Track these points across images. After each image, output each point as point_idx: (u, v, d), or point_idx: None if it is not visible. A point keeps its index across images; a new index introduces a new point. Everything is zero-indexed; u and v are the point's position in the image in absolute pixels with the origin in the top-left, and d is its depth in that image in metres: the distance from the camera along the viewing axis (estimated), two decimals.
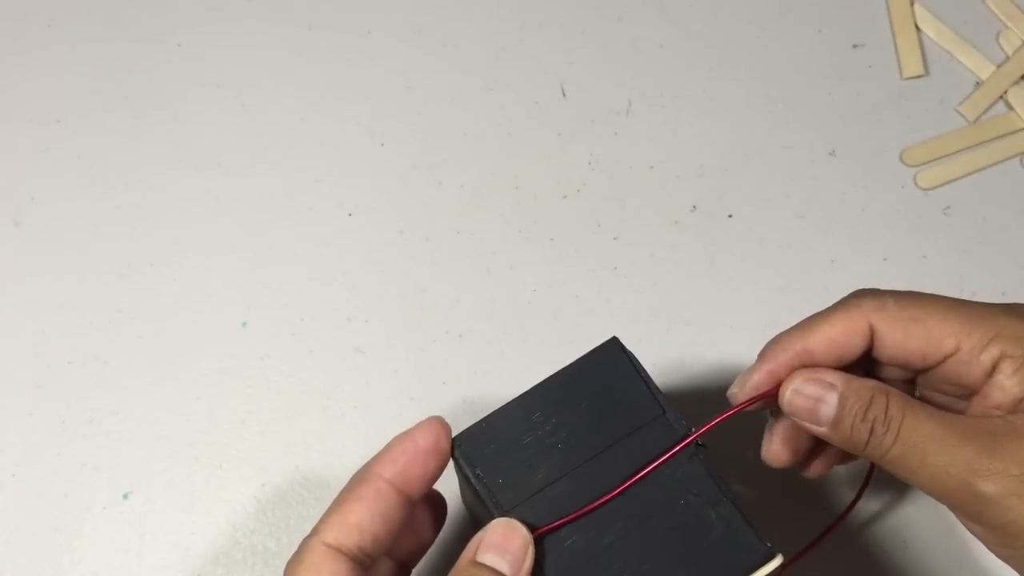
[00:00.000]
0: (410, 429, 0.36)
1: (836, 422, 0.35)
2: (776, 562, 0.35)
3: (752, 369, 0.38)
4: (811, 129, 0.55)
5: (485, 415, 0.36)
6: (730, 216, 0.53)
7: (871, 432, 0.35)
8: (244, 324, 0.51)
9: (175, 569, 0.46)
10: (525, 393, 0.37)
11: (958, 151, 0.55)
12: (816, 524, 0.44)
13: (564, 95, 0.56)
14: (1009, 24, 0.58)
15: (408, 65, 0.56)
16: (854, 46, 0.57)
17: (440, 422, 0.36)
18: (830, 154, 0.55)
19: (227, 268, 0.52)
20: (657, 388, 0.37)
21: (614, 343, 0.37)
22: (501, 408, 0.36)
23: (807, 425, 0.36)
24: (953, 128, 0.55)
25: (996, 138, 0.55)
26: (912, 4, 0.58)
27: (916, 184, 0.54)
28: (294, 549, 0.46)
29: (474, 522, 0.45)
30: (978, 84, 0.56)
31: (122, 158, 0.54)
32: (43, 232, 0.53)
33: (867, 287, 0.39)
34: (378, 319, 0.51)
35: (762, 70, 0.57)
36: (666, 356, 0.50)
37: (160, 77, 0.56)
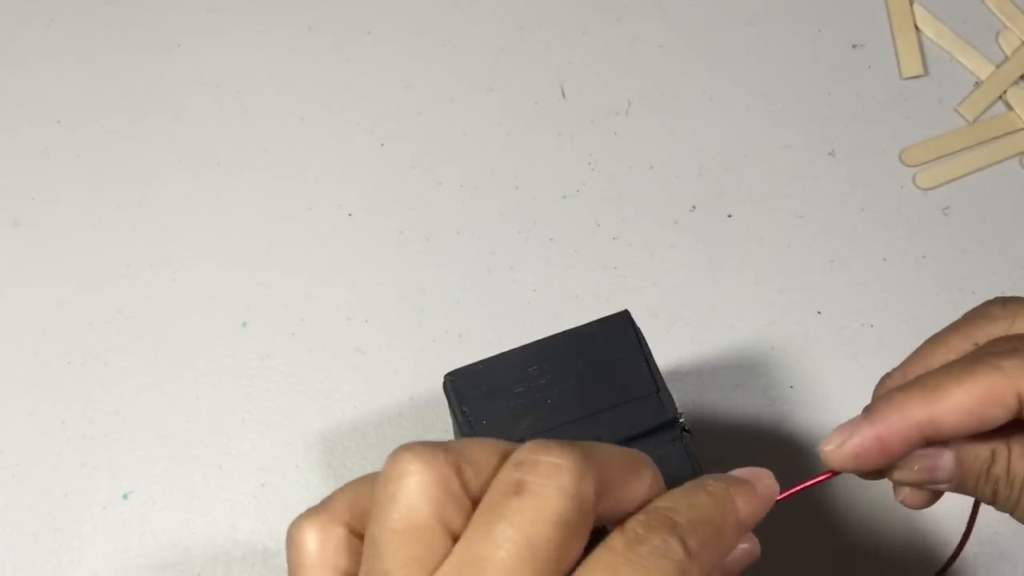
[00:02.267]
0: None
1: (957, 484, 0.31)
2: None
3: (855, 427, 0.31)
4: (810, 129, 0.55)
5: (485, 358, 0.37)
6: (730, 216, 0.53)
7: (995, 493, 0.31)
8: (244, 324, 0.51)
9: (175, 569, 0.46)
10: (527, 345, 0.37)
11: (957, 151, 0.55)
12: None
13: (564, 95, 0.56)
14: (1008, 24, 0.58)
15: (408, 65, 0.56)
16: (853, 46, 0.57)
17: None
18: (829, 154, 0.55)
19: (227, 268, 0.52)
20: (656, 367, 0.37)
21: (624, 315, 0.38)
22: (501, 354, 0.37)
23: (927, 488, 0.32)
24: (952, 128, 0.55)
25: (995, 138, 0.55)
26: (912, 4, 0.58)
27: (915, 184, 0.54)
28: None
29: None
30: (977, 84, 0.57)
31: (122, 158, 0.54)
32: (43, 232, 0.53)
33: (1006, 297, 0.33)
34: (378, 319, 0.51)
35: (761, 70, 0.57)
36: (666, 356, 0.50)
37: (160, 77, 0.56)
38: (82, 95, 0.55)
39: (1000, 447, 0.30)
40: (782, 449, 0.48)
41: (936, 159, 0.55)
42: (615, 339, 0.37)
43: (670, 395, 0.37)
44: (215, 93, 0.56)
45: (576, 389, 0.37)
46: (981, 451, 0.30)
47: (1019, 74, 0.56)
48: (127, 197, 0.53)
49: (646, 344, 0.38)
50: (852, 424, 0.31)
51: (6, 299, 0.51)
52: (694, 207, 0.53)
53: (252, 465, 0.48)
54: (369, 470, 0.47)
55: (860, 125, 0.55)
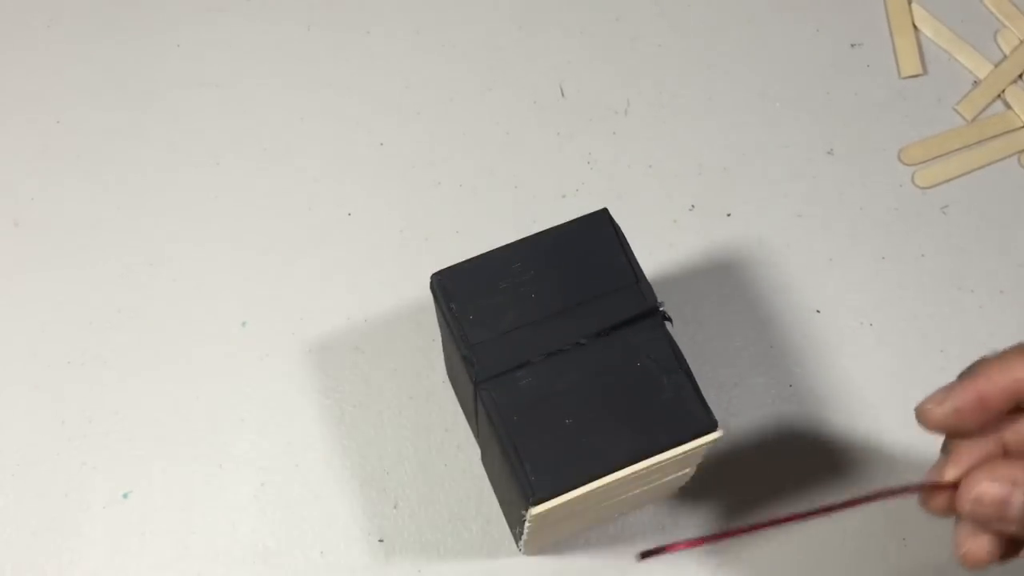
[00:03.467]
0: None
1: None
2: (716, 435, 0.36)
3: (953, 388, 0.31)
4: (809, 128, 0.55)
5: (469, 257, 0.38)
6: (729, 215, 0.53)
7: None
8: (244, 324, 0.51)
9: (175, 568, 0.46)
10: (510, 244, 0.39)
11: (956, 150, 0.55)
12: None
13: (563, 95, 0.56)
14: (1007, 23, 0.58)
15: (408, 65, 0.56)
16: (852, 45, 0.57)
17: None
18: (828, 153, 0.55)
19: (227, 268, 0.52)
20: (635, 260, 0.39)
21: (603, 214, 0.39)
22: (485, 254, 0.39)
23: (997, 527, 0.30)
24: (951, 127, 0.55)
25: (994, 137, 0.55)
26: (910, 3, 0.58)
27: (914, 183, 0.54)
28: (294, 548, 0.47)
29: (455, 385, 0.47)
30: (976, 83, 0.57)
31: (122, 158, 0.54)
32: (43, 232, 0.53)
33: None
34: (377, 319, 0.51)
35: (760, 69, 0.57)
36: None
37: (160, 77, 0.56)
38: (82, 95, 0.55)
39: None
40: (782, 448, 0.48)
41: (935, 158, 0.55)
42: (595, 236, 0.39)
43: (649, 285, 0.38)
44: (215, 93, 0.56)
45: (559, 283, 0.38)
46: None
47: (1017, 73, 0.56)
48: (127, 197, 0.53)
49: (625, 239, 0.39)
50: (950, 386, 0.31)
51: (6, 299, 0.51)
52: (693, 206, 0.54)
53: (252, 465, 0.48)
54: (369, 469, 0.48)
55: (859, 124, 0.56)
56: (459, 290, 0.38)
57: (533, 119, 0.55)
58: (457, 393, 0.48)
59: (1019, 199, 0.54)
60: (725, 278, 0.52)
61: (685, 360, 0.37)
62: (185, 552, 0.47)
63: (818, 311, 0.51)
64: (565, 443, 0.36)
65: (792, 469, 0.48)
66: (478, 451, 0.48)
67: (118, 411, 0.49)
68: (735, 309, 0.51)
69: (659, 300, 0.38)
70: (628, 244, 0.39)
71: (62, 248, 0.52)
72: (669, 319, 0.38)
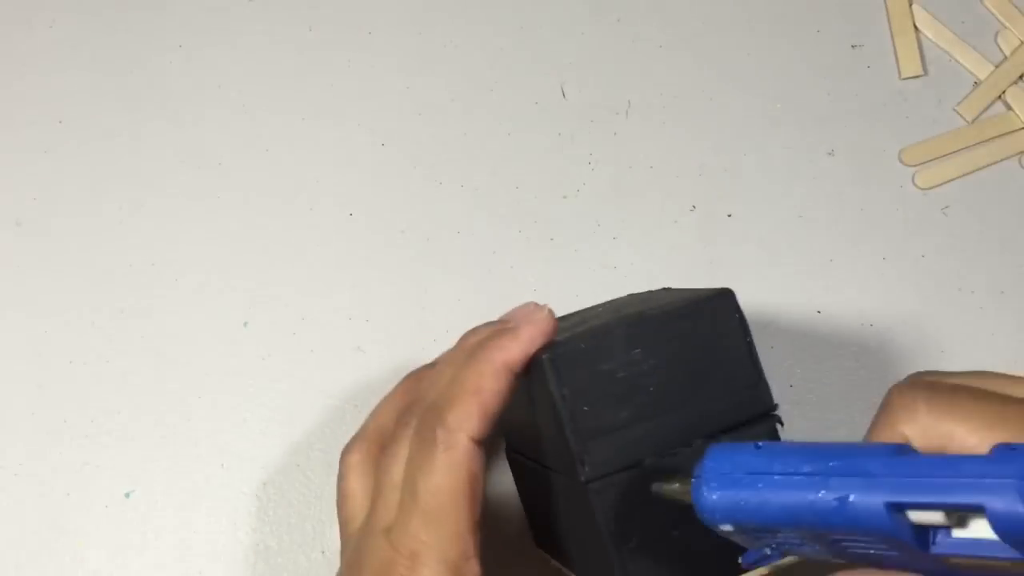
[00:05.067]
0: (529, 310, 0.35)
1: None
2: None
3: None
4: (810, 129, 0.55)
5: (580, 326, 0.35)
6: (729, 216, 0.53)
7: None
8: (245, 324, 0.51)
9: (177, 567, 0.46)
10: (630, 322, 0.35)
11: (957, 151, 0.55)
12: None
13: (564, 95, 0.56)
14: (1007, 24, 0.58)
15: (408, 65, 0.56)
16: (853, 46, 0.58)
17: (552, 314, 0.35)
18: (829, 154, 0.55)
19: (228, 268, 0.52)
20: (757, 356, 0.36)
21: (729, 296, 0.37)
22: (602, 332, 0.35)
23: None
24: (952, 128, 0.56)
25: (994, 138, 0.55)
26: (910, 4, 0.58)
27: (915, 184, 0.54)
28: (295, 548, 0.47)
29: (511, 441, 0.44)
30: (976, 84, 0.57)
31: (123, 158, 0.54)
32: (45, 232, 0.53)
33: (919, 373, 0.34)
34: (379, 319, 0.51)
35: (761, 70, 0.57)
36: None
37: (161, 77, 0.56)
38: (84, 95, 0.55)
39: None
40: None
41: (935, 159, 0.55)
42: (718, 321, 0.36)
43: (768, 386, 0.36)
44: (216, 93, 0.56)
45: (678, 377, 0.35)
46: None
47: (1018, 74, 0.56)
48: (129, 197, 0.53)
49: (748, 327, 0.36)
50: None
51: (8, 299, 0.51)
52: (694, 207, 0.54)
53: (253, 464, 0.48)
54: None
55: (859, 125, 0.56)
56: (574, 375, 0.34)
57: (534, 119, 0.55)
58: (510, 425, 0.43)
59: (1020, 200, 0.54)
60: (725, 278, 0.52)
61: None
62: (187, 551, 0.47)
63: (818, 311, 0.51)
64: (669, 556, 0.34)
65: None
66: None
67: (120, 410, 0.49)
68: None
69: (775, 403, 0.36)
70: (751, 335, 0.36)
71: (64, 248, 0.52)
72: (781, 423, 0.36)
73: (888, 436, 0.31)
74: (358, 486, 0.37)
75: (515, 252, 0.52)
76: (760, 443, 0.30)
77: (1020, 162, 0.55)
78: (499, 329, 0.36)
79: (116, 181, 0.54)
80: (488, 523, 0.35)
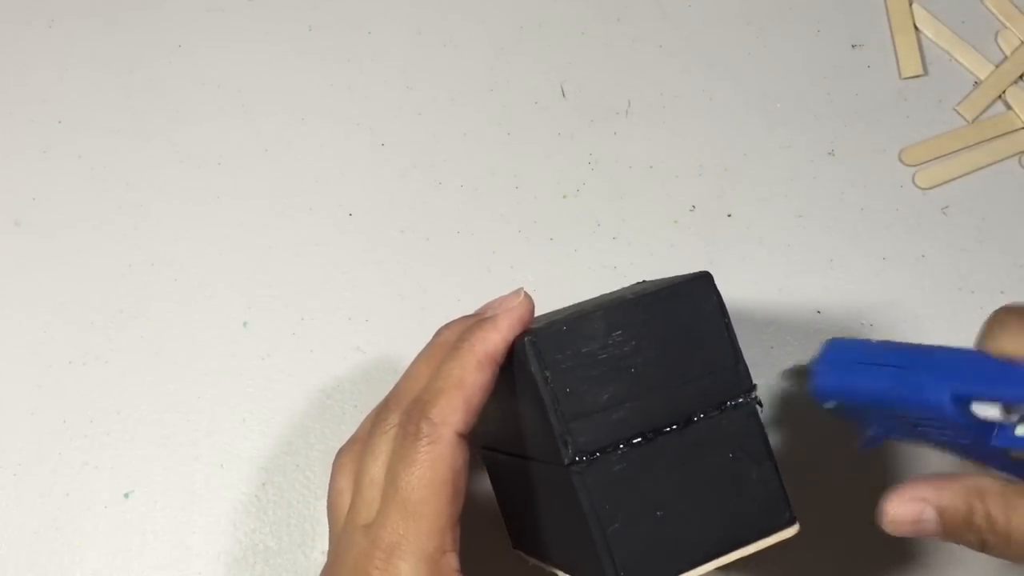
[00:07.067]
0: (508, 301, 0.36)
1: (945, 534, 0.34)
2: (792, 531, 0.36)
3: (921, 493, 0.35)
4: (810, 129, 0.55)
5: (563, 315, 0.36)
6: (729, 216, 0.53)
7: (983, 541, 0.34)
8: (245, 324, 0.51)
9: (176, 568, 0.46)
10: (610, 305, 0.36)
11: (957, 151, 0.55)
12: None
13: (564, 95, 0.56)
14: (1007, 24, 0.58)
15: (408, 65, 0.56)
16: (853, 46, 0.57)
17: (529, 296, 0.37)
18: (829, 154, 0.55)
19: (228, 268, 0.52)
20: (735, 336, 0.37)
21: (707, 279, 0.37)
22: (583, 315, 0.36)
23: (917, 535, 0.35)
24: (952, 128, 0.55)
25: (995, 137, 0.55)
26: (911, 4, 0.58)
27: (915, 183, 0.54)
28: (295, 548, 0.47)
29: (493, 430, 0.44)
30: (977, 84, 0.57)
31: (123, 158, 0.54)
32: (44, 232, 0.53)
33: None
34: (378, 319, 0.51)
35: (761, 70, 0.57)
36: None
37: (161, 77, 0.56)
38: (83, 95, 0.55)
39: (975, 499, 0.34)
40: (782, 449, 0.49)
41: (935, 159, 0.55)
42: (697, 303, 0.37)
43: (747, 368, 0.37)
44: (216, 93, 0.56)
45: (658, 358, 0.36)
46: (958, 504, 0.34)
47: (1018, 74, 0.56)
48: (128, 197, 0.53)
49: (726, 309, 0.37)
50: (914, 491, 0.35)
51: (7, 299, 0.51)
52: (694, 207, 0.54)
53: (253, 464, 0.48)
54: None
55: (860, 125, 0.56)
56: (555, 358, 0.35)
57: (534, 119, 0.55)
58: (497, 450, 0.44)
59: (1020, 200, 0.54)
60: (726, 278, 0.52)
61: (771, 449, 0.36)
62: (186, 552, 0.47)
63: (819, 311, 0.51)
64: (653, 535, 0.34)
65: (792, 469, 0.48)
66: (480, 452, 0.48)
67: (120, 411, 0.49)
68: (735, 310, 0.51)
69: (753, 384, 0.36)
70: (729, 318, 0.37)
71: (63, 248, 0.52)
72: (760, 404, 0.37)
73: (984, 348, 0.34)
74: (345, 485, 0.38)
75: (515, 252, 0.52)
76: (872, 340, 0.36)
77: (1020, 162, 0.55)
78: (479, 320, 0.37)
79: (116, 181, 0.54)
80: (466, 525, 0.36)
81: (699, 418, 0.36)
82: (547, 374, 0.35)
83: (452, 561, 0.34)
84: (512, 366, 0.36)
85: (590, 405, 0.35)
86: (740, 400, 0.36)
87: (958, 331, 0.51)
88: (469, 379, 0.35)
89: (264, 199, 0.53)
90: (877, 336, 0.51)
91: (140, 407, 0.49)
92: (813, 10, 0.58)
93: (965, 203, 0.54)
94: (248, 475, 0.48)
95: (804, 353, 0.50)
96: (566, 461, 0.35)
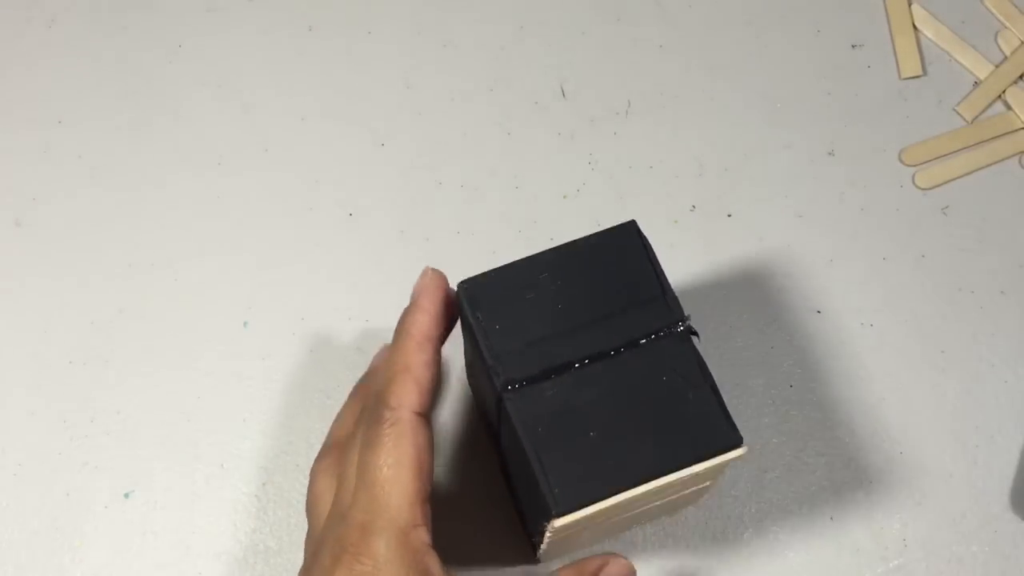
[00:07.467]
0: (421, 282, 0.39)
1: None
2: (740, 451, 0.36)
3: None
4: (810, 129, 0.55)
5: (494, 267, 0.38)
6: (729, 216, 0.54)
7: None
8: (245, 324, 0.51)
9: (176, 568, 0.46)
10: (536, 254, 0.38)
11: (957, 151, 0.55)
12: None
13: (564, 95, 0.56)
14: (1007, 24, 0.58)
15: (408, 65, 0.56)
16: (853, 46, 0.58)
17: (435, 270, 0.40)
18: (829, 154, 0.55)
19: (228, 268, 0.52)
20: (662, 272, 0.38)
21: (631, 225, 0.39)
22: (510, 263, 0.38)
23: None
24: (951, 128, 0.56)
25: (994, 138, 0.55)
26: (910, 4, 0.58)
27: (915, 184, 0.54)
28: (295, 548, 0.47)
29: (476, 392, 0.46)
30: (976, 84, 0.57)
31: (123, 158, 0.54)
32: (44, 232, 0.53)
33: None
34: (379, 319, 0.51)
35: (761, 70, 0.57)
36: None
37: (161, 77, 0.56)
38: (83, 95, 0.55)
39: None
40: (782, 449, 0.49)
41: (935, 159, 0.55)
42: (623, 247, 0.38)
43: (676, 298, 0.38)
44: (216, 93, 0.56)
45: (586, 294, 0.37)
46: None
47: (1018, 74, 0.56)
48: (128, 197, 0.53)
49: (652, 251, 0.38)
50: None
51: (7, 299, 0.51)
52: (694, 207, 0.54)
53: (253, 464, 0.48)
54: None
55: (859, 125, 0.56)
56: (485, 299, 0.37)
57: (534, 119, 0.55)
58: (476, 400, 0.47)
59: (1020, 200, 0.54)
60: (725, 279, 0.52)
61: (711, 375, 0.37)
62: (186, 552, 0.47)
63: (818, 312, 0.51)
64: (588, 456, 0.35)
65: (792, 469, 0.48)
66: (482, 450, 0.48)
67: (120, 411, 0.49)
68: (735, 310, 0.51)
69: (686, 314, 0.37)
70: (656, 257, 0.38)
71: (64, 248, 0.52)
72: (695, 333, 0.38)
73: None
74: (324, 487, 0.39)
75: (515, 252, 0.52)
76: None
77: (1020, 162, 0.55)
78: (406, 309, 0.39)
79: (115, 181, 0.54)
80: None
81: (632, 348, 0.37)
82: (478, 315, 0.37)
83: (423, 535, 0.36)
84: (460, 315, 0.39)
85: (520, 339, 0.37)
86: (671, 329, 0.37)
87: (958, 331, 0.51)
88: (413, 361, 0.37)
89: (264, 199, 0.53)
90: (876, 335, 0.51)
91: (140, 407, 0.49)
92: (813, 10, 0.58)
93: (965, 203, 0.54)
94: (248, 475, 0.48)
95: (804, 353, 0.50)
96: (498, 389, 0.36)
